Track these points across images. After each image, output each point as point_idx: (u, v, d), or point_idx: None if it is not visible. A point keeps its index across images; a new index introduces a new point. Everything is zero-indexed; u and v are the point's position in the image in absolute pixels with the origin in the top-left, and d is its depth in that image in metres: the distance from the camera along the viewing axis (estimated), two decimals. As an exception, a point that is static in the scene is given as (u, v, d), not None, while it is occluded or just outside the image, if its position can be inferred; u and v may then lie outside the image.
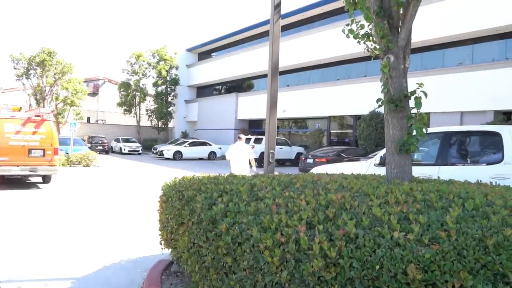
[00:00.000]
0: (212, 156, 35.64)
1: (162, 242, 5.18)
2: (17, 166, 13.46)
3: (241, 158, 11.16)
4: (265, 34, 35.40)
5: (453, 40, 23.88)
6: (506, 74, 20.29)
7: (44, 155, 13.95)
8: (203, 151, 35.66)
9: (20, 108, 15.47)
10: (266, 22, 32.96)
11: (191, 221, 3.85)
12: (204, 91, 50.43)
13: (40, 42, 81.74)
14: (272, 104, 6.64)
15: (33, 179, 15.98)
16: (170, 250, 5.01)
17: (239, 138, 11.58)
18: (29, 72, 39.52)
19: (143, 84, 46.97)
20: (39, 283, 5.15)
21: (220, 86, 48.92)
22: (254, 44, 39.88)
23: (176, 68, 47.43)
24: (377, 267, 2.22)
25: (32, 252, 6.47)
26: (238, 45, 43.73)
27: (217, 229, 3.31)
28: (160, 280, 5.05)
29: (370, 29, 4.49)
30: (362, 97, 26.01)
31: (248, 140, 28.57)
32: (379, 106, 4.53)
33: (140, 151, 40.68)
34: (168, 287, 4.87)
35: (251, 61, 38.04)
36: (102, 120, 55.57)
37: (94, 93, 56.96)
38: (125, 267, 5.92)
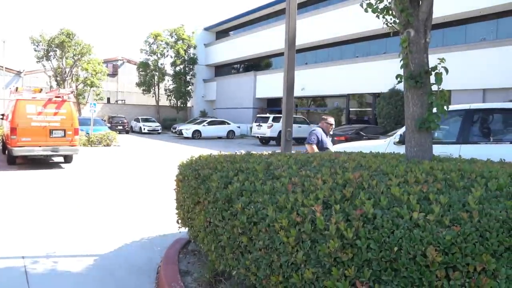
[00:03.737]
0: (231, 134, 35.74)
1: (179, 221, 5.19)
2: (39, 146, 13.64)
3: None
4: (282, 12, 34.92)
5: (476, 15, 23.22)
6: (531, 49, 19.70)
7: (65, 136, 14.11)
8: (222, 130, 35.77)
9: (41, 89, 15.61)
10: (283, 0, 32.53)
11: (207, 200, 3.83)
12: (222, 70, 50.31)
13: (59, 24, 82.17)
14: (289, 82, 6.53)
15: (55, 159, 16.21)
16: (187, 229, 5.02)
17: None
18: (49, 54, 39.86)
19: (161, 64, 47.07)
20: (62, 259, 5.24)
21: (238, 65, 48.71)
22: (272, 22, 39.48)
23: (194, 48, 47.35)
24: (396, 248, 2.16)
25: (56, 229, 6.58)
26: (255, 24, 43.37)
27: (233, 208, 3.28)
28: (177, 258, 5.07)
29: (389, 3, 4.33)
30: (381, 74, 25.60)
31: (266, 119, 28.51)
32: (399, 82, 4.40)
33: (160, 131, 41.02)
34: (186, 265, 4.88)
35: (268, 39, 37.73)
36: (122, 100, 55.94)
37: (114, 74, 57.18)
38: (144, 245, 5.97)
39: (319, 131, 7.71)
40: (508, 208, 2.42)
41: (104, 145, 23.67)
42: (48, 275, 4.77)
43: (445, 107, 4.11)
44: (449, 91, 21.15)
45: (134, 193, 9.89)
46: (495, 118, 7.77)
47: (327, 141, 7.77)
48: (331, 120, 8.03)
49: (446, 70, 4.04)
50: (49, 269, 4.94)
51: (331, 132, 8.04)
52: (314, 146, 7.46)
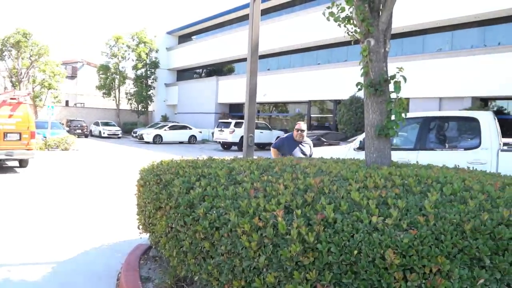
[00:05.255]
0: (192, 139, 35.48)
1: (140, 227, 5.12)
2: (-8, 150, 13.16)
3: None
4: (245, 17, 35.06)
5: (433, 27, 24.02)
6: (484, 61, 20.53)
7: (20, 139, 13.64)
8: (184, 135, 35.46)
9: (-5, 90, 15.07)
10: (246, 6, 32.70)
11: (169, 205, 3.80)
12: (184, 74, 49.98)
13: (14, 23, 79.77)
14: (252, 88, 6.57)
15: (9, 163, 15.66)
16: (148, 234, 4.96)
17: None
18: (4, 54, 38.57)
19: (122, 67, 46.36)
20: (18, 268, 5.06)
21: (201, 70, 48.54)
22: (235, 27, 39.59)
23: (156, 51, 46.87)
24: (355, 252, 2.21)
25: (10, 236, 6.35)
26: (218, 28, 43.37)
27: (195, 214, 3.27)
28: (138, 264, 5.00)
29: (351, 12, 4.44)
30: (342, 81, 26.07)
31: (228, 124, 28.48)
32: (359, 90, 4.50)
33: (120, 135, 40.30)
34: (147, 272, 4.82)
35: (231, 44, 37.79)
36: (81, 103, 54.68)
37: (73, 76, 55.90)
38: (103, 252, 5.86)
39: (285, 136, 7.36)
40: (461, 211, 2.52)
41: (62, 150, 23.07)
42: (2, 285, 4.60)
43: (403, 115, 4.23)
44: (407, 99, 21.66)
45: (93, 199, 9.68)
46: (451, 125, 8.05)
47: (294, 148, 7.11)
48: (299, 125, 7.25)
49: (405, 79, 4.16)
50: (3, 278, 4.75)
51: (301, 139, 7.16)
52: (274, 150, 7.14)
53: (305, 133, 7.26)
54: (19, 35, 37.36)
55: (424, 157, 6.64)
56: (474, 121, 7.15)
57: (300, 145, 7.11)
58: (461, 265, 2.19)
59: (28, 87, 38.64)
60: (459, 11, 21.77)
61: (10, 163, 15.63)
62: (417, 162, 5.40)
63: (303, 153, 7.08)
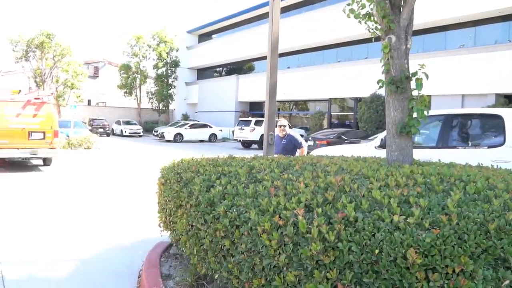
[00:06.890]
0: (213, 138, 35.65)
1: (161, 225, 5.16)
2: (18, 149, 13.40)
3: None
4: (265, 15, 34.98)
5: (455, 22, 23.63)
6: (508, 57, 20.13)
7: (44, 138, 13.89)
8: (204, 133, 35.66)
9: (20, 90, 15.35)
10: (266, 4, 32.66)
11: (189, 203, 3.82)
12: (204, 73, 50.19)
13: (38, 25, 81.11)
14: (272, 86, 6.55)
15: (34, 162, 15.96)
16: (169, 232, 5.00)
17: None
18: (28, 55, 39.26)
19: (143, 67, 46.80)
20: (42, 265, 5.16)
21: (221, 68, 48.69)
22: (255, 25, 39.57)
23: (177, 50, 47.16)
24: (377, 251, 2.18)
25: (34, 234, 6.48)
26: (238, 27, 43.42)
27: (215, 212, 3.28)
28: (159, 262, 5.04)
29: (371, 9, 4.39)
30: (363, 79, 25.86)
31: (248, 123, 28.50)
32: (380, 87, 4.46)
33: (141, 133, 40.73)
34: (168, 269, 4.86)
35: (251, 43, 37.80)
36: (103, 102, 55.35)
37: (95, 76, 56.70)
38: (125, 249, 5.93)
39: (277, 134, 7.58)
40: (485, 211, 2.47)
41: (85, 148, 23.39)
42: (27, 281, 4.69)
43: (425, 112, 4.17)
44: (429, 96, 21.50)
45: (115, 197, 9.80)
46: (474, 123, 7.91)
47: (279, 144, 7.58)
48: (279, 121, 7.78)
49: (426, 76, 4.10)
50: (28, 275, 4.85)
51: (283, 134, 7.72)
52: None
53: (287, 128, 7.72)
54: (43, 36, 37.98)
55: (446, 155, 6.53)
56: (498, 118, 7.00)
57: (282, 140, 7.55)
58: (485, 265, 2.16)
59: (51, 87, 39.25)
60: (482, 6, 21.37)
61: (34, 162, 15.95)
62: (439, 160, 5.32)
63: (284, 148, 7.42)
